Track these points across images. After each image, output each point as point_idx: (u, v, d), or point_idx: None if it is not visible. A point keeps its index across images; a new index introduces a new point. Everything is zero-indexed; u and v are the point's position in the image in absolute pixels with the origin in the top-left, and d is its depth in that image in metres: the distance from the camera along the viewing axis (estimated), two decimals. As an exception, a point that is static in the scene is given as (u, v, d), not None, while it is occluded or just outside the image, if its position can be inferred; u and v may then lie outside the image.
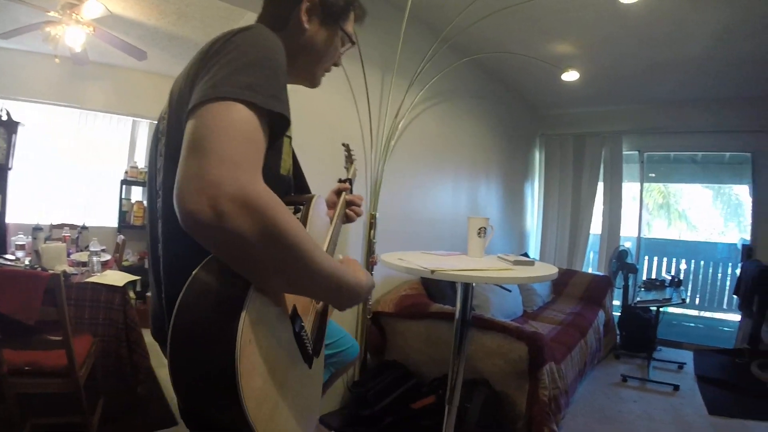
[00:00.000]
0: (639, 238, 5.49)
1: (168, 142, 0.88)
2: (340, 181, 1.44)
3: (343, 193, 1.39)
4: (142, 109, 5.49)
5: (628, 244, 5.40)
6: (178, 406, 0.77)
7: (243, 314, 0.66)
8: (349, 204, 1.40)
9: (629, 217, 5.56)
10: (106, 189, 5.39)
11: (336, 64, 1.17)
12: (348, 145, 1.71)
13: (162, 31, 4.07)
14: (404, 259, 1.68)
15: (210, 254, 0.72)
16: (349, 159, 1.67)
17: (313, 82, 1.16)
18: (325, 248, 1.06)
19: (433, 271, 1.45)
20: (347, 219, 1.41)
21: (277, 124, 0.77)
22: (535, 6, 2.97)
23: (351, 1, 1.12)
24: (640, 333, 4.40)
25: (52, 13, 3.48)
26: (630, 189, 5.61)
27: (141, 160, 5.55)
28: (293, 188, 1.10)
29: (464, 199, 4.30)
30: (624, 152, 5.45)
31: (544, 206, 5.97)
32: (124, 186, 5.25)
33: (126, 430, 2.51)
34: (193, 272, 0.71)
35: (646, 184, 5.62)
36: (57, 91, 4.91)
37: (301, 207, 0.98)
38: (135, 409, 2.68)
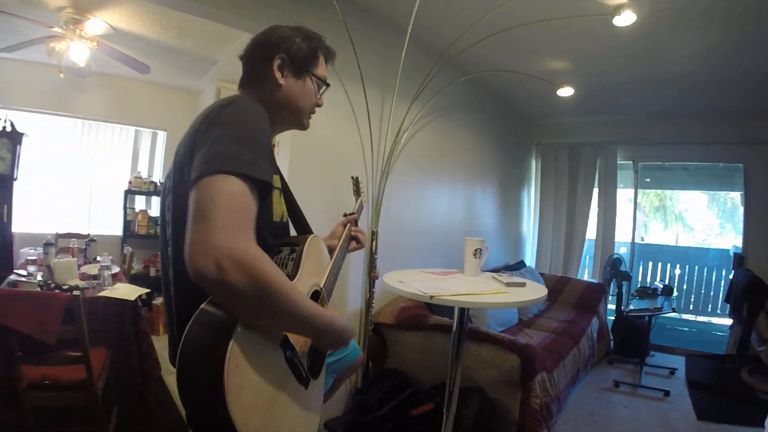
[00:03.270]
0: (633, 244, 5.60)
1: (174, 198, 1.03)
2: (345, 215, 1.55)
3: (348, 225, 1.51)
4: (144, 119, 5.63)
5: (623, 250, 5.52)
6: (185, 416, 0.94)
7: (231, 343, 0.82)
8: (352, 238, 1.53)
9: (624, 220, 5.65)
10: (111, 198, 5.49)
11: (318, 105, 1.28)
12: (357, 178, 1.82)
13: (164, 44, 4.17)
14: (404, 282, 1.78)
15: None
16: (357, 192, 1.77)
17: (301, 127, 1.29)
18: (324, 279, 1.21)
19: (431, 297, 1.57)
20: (350, 250, 1.53)
21: (262, 186, 0.92)
22: (531, 28, 3.08)
23: (316, 45, 1.24)
24: (633, 339, 4.52)
25: (55, 29, 3.57)
26: (626, 193, 5.72)
27: (144, 170, 5.67)
28: (288, 230, 1.25)
29: (461, 208, 4.41)
30: (618, 161, 5.56)
31: (540, 214, 6.07)
32: (128, 195, 5.34)
33: (138, 438, 2.62)
34: (200, 306, 0.88)
35: (641, 190, 5.72)
36: (60, 102, 5.01)
37: (297, 247, 1.11)
38: (147, 417, 2.78)
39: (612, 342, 4.80)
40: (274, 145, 2.90)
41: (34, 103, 4.89)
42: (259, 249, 0.84)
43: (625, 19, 2.82)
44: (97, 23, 3.57)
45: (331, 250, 1.40)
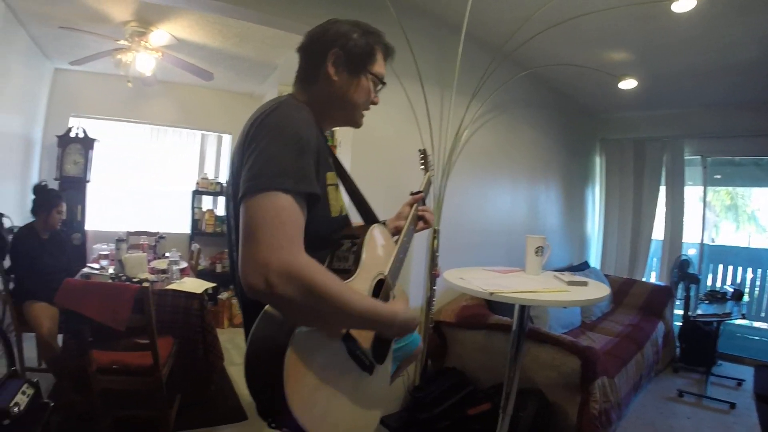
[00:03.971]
0: (702, 245, 5.28)
1: (235, 206, 1.05)
2: (412, 193, 1.51)
3: (415, 205, 1.47)
4: (209, 123, 5.88)
5: (692, 251, 5.24)
6: (256, 407, 0.99)
7: (290, 342, 0.88)
8: (419, 217, 1.48)
9: (693, 220, 5.35)
10: (179, 198, 5.78)
11: (374, 103, 1.24)
12: (425, 150, 1.73)
13: (225, 52, 4.34)
14: (465, 279, 1.77)
15: None
16: (425, 167, 1.69)
17: (354, 124, 1.25)
18: (388, 267, 1.19)
19: (491, 293, 1.55)
20: (417, 230, 1.49)
21: (309, 196, 0.96)
22: (587, 18, 2.98)
23: (374, 42, 1.18)
24: (700, 346, 4.26)
25: (121, 42, 3.77)
26: (695, 191, 5.40)
27: (211, 172, 5.94)
28: (350, 223, 1.25)
29: (523, 207, 4.35)
30: (686, 156, 5.26)
31: (606, 213, 5.83)
32: (195, 196, 5.61)
33: (200, 423, 2.72)
34: (264, 308, 0.93)
35: (711, 187, 5.41)
36: (129, 109, 5.33)
37: (357, 240, 1.12)
38: (208, 404, 2.91)
39: (678, 349, 4.55)
40: (335, 146, 2.95)
41: (104, 111, 5.23)
42: (306, 258, 0.88)
43: (684, 4, 2.68)
44: (160, 34, 3.75)
45: (397, 231, 1.38)
